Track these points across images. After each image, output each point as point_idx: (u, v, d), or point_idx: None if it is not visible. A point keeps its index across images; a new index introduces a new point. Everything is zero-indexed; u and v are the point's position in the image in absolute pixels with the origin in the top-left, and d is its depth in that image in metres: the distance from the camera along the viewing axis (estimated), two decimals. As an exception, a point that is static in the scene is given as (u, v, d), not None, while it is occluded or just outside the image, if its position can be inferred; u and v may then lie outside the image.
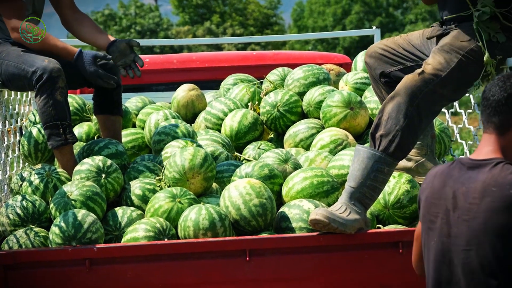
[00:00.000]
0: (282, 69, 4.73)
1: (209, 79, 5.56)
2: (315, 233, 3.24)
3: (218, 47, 26.30)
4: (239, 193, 3.39)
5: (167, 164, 3.64)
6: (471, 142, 4.08)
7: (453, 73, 3.30)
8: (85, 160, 3.68)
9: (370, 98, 4.32)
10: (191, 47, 26.90)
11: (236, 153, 4.15)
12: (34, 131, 4.11)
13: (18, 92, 4.42)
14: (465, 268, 2.23)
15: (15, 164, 4.16)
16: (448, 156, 4.39)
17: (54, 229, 3.31)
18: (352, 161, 3.36)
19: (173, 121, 4.19)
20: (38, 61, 3.74)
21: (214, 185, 3.74)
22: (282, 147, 4.25)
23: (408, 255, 3.15)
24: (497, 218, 2.17)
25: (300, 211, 3.38)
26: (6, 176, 3.92)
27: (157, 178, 3.69)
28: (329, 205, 3.45)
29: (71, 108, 4.38)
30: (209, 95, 4.82)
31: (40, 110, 3.74)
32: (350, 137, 4.08)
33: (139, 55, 3.99)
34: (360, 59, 4.72)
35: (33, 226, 3.43)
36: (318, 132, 4.14)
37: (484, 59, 3.28)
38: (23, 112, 4.66)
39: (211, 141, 4.09)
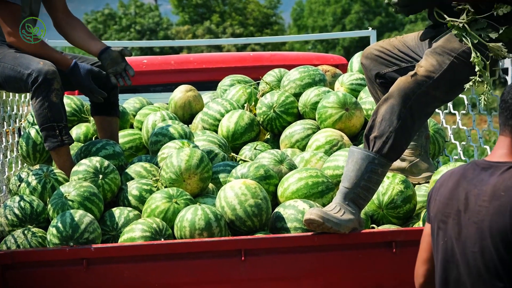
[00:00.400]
0: (278, 70, 4.76)
1: (206, 80, 5.57)
2: (309, 233, 3.25)
3: (218, 46, 26.33)
4: (235, 193, 3.41)
5: (164, 164, 3.67)
6: (464, 143, 4.11)
7: (445, 75, 3.31)
8: (83, 161, 3.71)
9: (365, 99, 4.34)
10: (191, 46, 26.91)
11: (232, 154, 4.17)
12: (33, 132, 4.13)
13: (17, 93, 4.44)
14: (472, 269, 2.24)
15: (13, 165, 4.18)
16: (442, 157, 4.42)
17: (52, 229, 3.32)
18: (346, 162, 3.37)
19: (170, 122, 4.21)
20: (33, 63, 3.75)
21: (210, 185, 3.76)
22: (278, 147, 4.27)
23: (402, 254, 3.19)
24: (502, 222, 2.17)
25: (295, 211, 3.39)
26: (5, 176, 3.94)
27: (154, 178, 3.72)
28: (324, 205, 3.46)
29: (69, 109, 4.41)
30: (206, 96, 4.83)
31: (36, 112, 3.74)
32: (345, 138, 4.10)
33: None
34: (356, 60, 4.75)
35: (31, 227, 3.45)
36: (314, 133, 4.17)
37: (471, 59, 3.27)
38: (21, 113, 4.68)
39: (207, 142, 4.11)
